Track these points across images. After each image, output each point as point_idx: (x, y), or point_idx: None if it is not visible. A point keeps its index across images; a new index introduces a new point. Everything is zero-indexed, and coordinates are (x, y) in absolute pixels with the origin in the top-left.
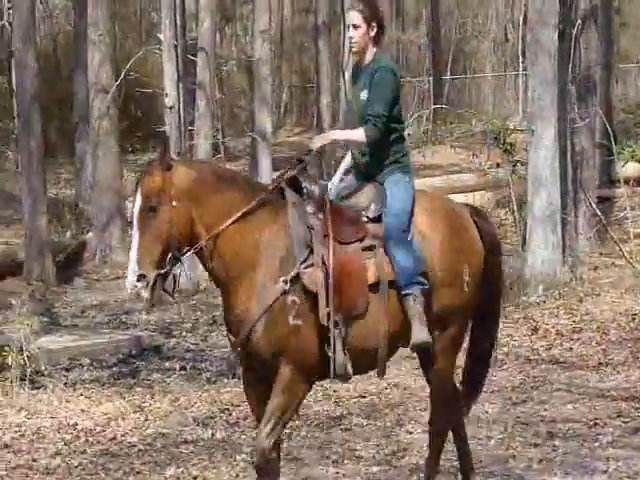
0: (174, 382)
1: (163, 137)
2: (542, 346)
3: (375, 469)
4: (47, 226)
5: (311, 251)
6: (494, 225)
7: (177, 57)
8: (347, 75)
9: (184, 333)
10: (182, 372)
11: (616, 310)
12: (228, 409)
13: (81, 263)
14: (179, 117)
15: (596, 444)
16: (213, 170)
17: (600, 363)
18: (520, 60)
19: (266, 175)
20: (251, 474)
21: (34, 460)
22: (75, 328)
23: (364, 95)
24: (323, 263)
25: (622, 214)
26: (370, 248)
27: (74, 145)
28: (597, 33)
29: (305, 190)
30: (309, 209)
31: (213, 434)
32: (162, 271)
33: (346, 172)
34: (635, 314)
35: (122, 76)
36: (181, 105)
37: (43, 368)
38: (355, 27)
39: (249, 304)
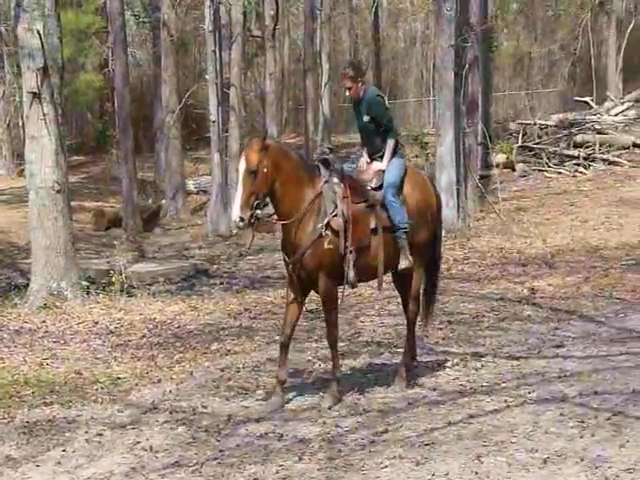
0: (216, 292)
1: (264, 130)
2: (445, 268)
3: (341, 344)
4: (137, 196)
5: (335, 207)
6: (437, 189)
7: (217, 90)
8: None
9: (222, 262)
10: (221, 286)
11: (490, 245)
12: (250, 309)
13: (158, 219)
14: (218, 128)
15: (477, 328)
16: (289, 152)
17: (480, 278)
18: (431, 91)
19: None
20: (264, 349)
21: (129, 340)
22: (155, 259)
23: (366, 118)
24: (343, 214)
25: (494, 186)
26: (372, 206)
27: (154, 145)
28: (479, 74)
29: (332, 168)
30: (334, 180)
31: (240, 324)
32: (253, 212)
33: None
34: (502, 248)
35: (183, 102)
36: (220, 120)
37: (134, 284)
38: (349, 89)
39: (302, 237)
